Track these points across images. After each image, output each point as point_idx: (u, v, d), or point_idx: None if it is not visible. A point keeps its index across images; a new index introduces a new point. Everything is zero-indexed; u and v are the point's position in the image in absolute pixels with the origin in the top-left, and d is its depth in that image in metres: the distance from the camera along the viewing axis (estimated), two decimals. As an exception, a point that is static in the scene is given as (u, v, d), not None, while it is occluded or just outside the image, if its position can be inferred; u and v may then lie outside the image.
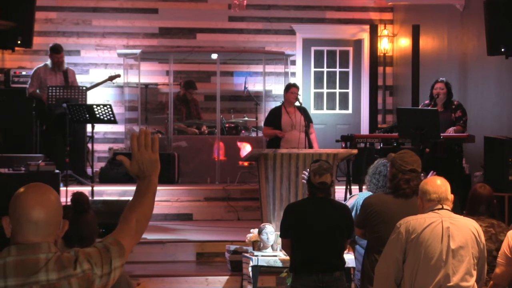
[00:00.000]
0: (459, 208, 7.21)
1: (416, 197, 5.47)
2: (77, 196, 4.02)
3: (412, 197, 5.54)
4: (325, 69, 14.65)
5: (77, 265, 2.84)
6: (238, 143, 12.70)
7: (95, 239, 4.09)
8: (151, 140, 3.09)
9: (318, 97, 14.66)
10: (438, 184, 4.82)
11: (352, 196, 6.44)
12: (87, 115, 10.88)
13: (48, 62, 11.85)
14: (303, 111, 10.74)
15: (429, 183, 4.85)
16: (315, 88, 14.62)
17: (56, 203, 2.92)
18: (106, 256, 2.91)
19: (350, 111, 14.69)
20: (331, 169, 5.99)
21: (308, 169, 6.37)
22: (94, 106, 10.97)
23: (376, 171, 6.27)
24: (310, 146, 10.30)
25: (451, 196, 4.86)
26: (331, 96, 14.69)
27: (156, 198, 9.95)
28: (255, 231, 8.21)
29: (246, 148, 12.44)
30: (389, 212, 5.49)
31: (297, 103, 10.79)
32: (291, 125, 10.76)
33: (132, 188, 10.28)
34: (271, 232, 8.06)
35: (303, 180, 6.86)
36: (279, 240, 6.74)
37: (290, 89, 10.86)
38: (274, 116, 10.90)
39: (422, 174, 5.85)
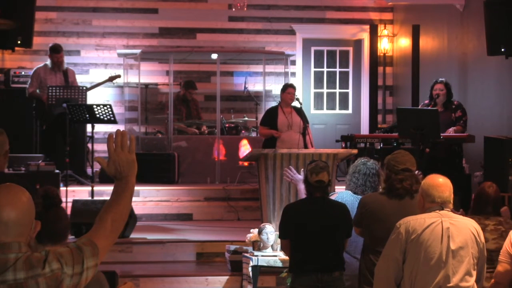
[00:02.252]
0: (459, 208, 7.22)
1: (410, 198, 5.48)
2: (46, 191, 3.97)
3: (405, 197, 5.53)
4: (325, 69, 14.65)
5: (46, 264, 2.83)
6: (240, 143, 12.69)
7: (67, 234, 4.06)
8: (128, 140, 3.10)
9: (318, 97, 14.66)
10: (443, 189, 4.78)
11: (331, 195, 6.44)
12: (87, 115, 10.87)
13: (48, 62, 11.84)
14: (300, 111, 10.73)
15: (434, 187, 4.78)
16: (315, 88, 14.62)
17: (28, 204, 2.92)
18: (78, 256, 2.90)
19: (350, 111, 14.69)
20: (327, 168, 5.99)
21: (290, 166, 6.36)
22: (94, 106, 10.97)
23: (356, 170, 6.29)
24: (306, 147, 10.29)
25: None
26: (331, 96, 14.70)
27: (156, 198, 10.02)
28: (255, 231, 8.21)
29: (244, 148, 12.44)
30: (383, 212, 5.49)
31: (297, 104, 10.78)
32: (287, 126, 10.72)
33: (132, 188, 9.95)
34: (271, 232, 8.06)
35: (285, 178, 6.87)
36: (279, 240, 6.75)
37: (287, 89, 10.83)
38: (271, 116, 10.86)
39: (418, 173, 5.84)
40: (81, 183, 11.07)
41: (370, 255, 5.52)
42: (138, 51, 13.00)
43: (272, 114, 10.87)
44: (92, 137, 11.25)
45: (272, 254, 7.99)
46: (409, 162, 5.63)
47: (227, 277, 8.46)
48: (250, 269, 7.85)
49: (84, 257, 2.91)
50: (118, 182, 3.10)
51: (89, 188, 10.51)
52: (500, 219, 5.87)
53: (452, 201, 4.84)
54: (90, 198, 10.29)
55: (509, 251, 5.42)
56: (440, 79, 10.43)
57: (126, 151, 3.09)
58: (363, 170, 6.23)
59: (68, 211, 9.64)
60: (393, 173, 5.58)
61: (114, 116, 10.94)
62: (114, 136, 3.10)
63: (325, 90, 14.66)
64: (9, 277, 2.80)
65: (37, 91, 11.74)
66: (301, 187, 6.26)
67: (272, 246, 8.12)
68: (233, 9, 12.47)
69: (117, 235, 3.07)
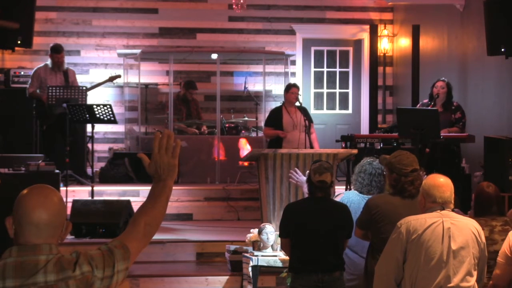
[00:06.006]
0: (459, 208, 7.20)
1: None
2: None
3: (417, 196, 5.54)
4: (325, 69, 14.65)
5: (77, 267, 2.82)
6: (239, 143, 12.70)
7: None
8: (173, 144, 3.05)
9: (318, 97, 14.66)
10: (444, 189, 4.78)
11: (337, 195, 6.43)
12: (87, 115, 10.87)
13: (49, 62, 11.84)
14: (303, 111, 10.73)
15: (435, 187, 4.78)
16: (315, 88, 14.62)
17: (59, 205, 2.90)
18: (109, 259, 2.89)
19: (350, 111, 14.68)
20: (331, 169, 5.99)
21: (296, 168, 6.34)
22: (94, 106, 10.97)
23: (362, 170, 6.29)
24: (311, 147, 10.29)
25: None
26: (331, 96, 14.69)
27: (156, 198, 9.47)
28: (255, 231, 8.21)
29: (246, 147, 12.44)
30: (396, 213, 5.45)
31: (297, 103, 10.78)
32: (292, 125, 10.72)
33: (132, 188, 10.32)
34: (271, 232, 8.06)
35: (290, 180, 6.85)
36: (279, 240, 6.75)
37: (291, 89, 10.84)
38: (275, 117, 10.87)
39: (422, 172, 5.85)
40: (81, 183, 11.07)
41: (378, 256, 5.49)
42: (138, 51, 13.00)
43: (276, 114, 10.87)
44: (92, 137, 11.25)
45: (272, 254, 7.99)
46: (414, 162, 5.66)
47: (227, 277, 8.46)
48: (250, 269, 7.84)
49: (115, 260, 2.89)
50: (156, 184, 3.07)
51: (89, 188, 10.51)
52: (505, 219, 5.85)
53: (453, 201, 4.84)
54: (90, 198, 10.29)
55: (507, 253, 5.41)
56: (443, 78, 10.42)
57: (170, 154, 3.05)
58: (369, 170, 6.23)
59: (68, 211, 9.65)
60: (402, 176, 5.59)
61: (114, 116, 10.94)
62: (160, 136, 3.04)
63: (325, 90, 14.66)
64: (40, 279, 2.79)
65: (37, 91, 11.74)
66: (307, 189, 6.25)
67: (272, 246, 8.12)
68: (236, 10, 12.45)
69: (149, 238, 3.04)
